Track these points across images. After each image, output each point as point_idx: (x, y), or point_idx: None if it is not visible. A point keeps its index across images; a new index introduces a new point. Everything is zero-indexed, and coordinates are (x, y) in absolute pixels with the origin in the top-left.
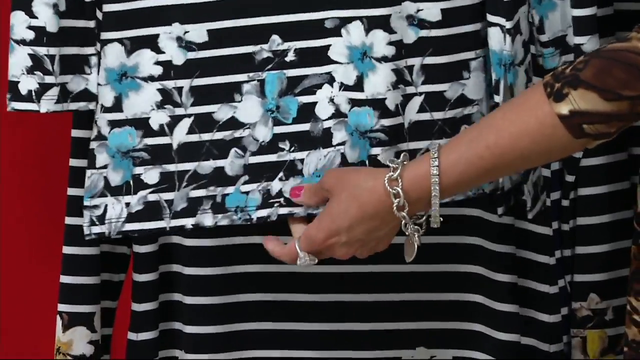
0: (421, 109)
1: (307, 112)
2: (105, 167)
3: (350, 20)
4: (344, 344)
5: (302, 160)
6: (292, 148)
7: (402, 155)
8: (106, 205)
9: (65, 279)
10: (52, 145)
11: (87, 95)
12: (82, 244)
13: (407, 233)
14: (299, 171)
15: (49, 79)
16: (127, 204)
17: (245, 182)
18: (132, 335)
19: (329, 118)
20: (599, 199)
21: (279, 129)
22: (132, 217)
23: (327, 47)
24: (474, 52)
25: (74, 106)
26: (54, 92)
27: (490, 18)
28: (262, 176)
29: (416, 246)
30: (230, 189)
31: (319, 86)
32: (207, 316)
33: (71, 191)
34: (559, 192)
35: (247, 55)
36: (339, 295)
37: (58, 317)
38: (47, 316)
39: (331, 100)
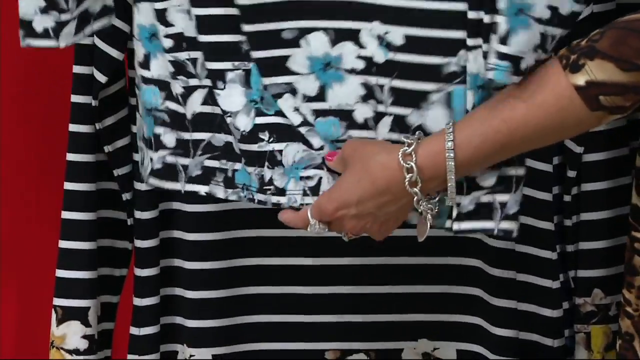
0: (392, 129)
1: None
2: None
3: (310, 30)
4: (346, 335)
5: (280, 152)
6: (271, 139)
7: (417, 132)
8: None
9: (60, 273)
10: (51, 140)
11: (106, 10)
12: (77, 238)
13: (419, 210)
14: (279, 162)
15: (64, 17)
16: (151, 160)
17: (245, 164)
18: (134, 330)
19: (299, 125)
20: (602, 194)
21: (260, 120)
22: (153, 173)
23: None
24: (436, 85)
25: (97, 26)
26: (71, 26)
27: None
28: (254, 161)
29: (428, 225)
30: (238, 166)
31: (280, 95)
32: (208, 310)
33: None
34: (559, 187)
35: (233, 44)
36: (341, 287)
37: (53, 311)
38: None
39: (296, 109)
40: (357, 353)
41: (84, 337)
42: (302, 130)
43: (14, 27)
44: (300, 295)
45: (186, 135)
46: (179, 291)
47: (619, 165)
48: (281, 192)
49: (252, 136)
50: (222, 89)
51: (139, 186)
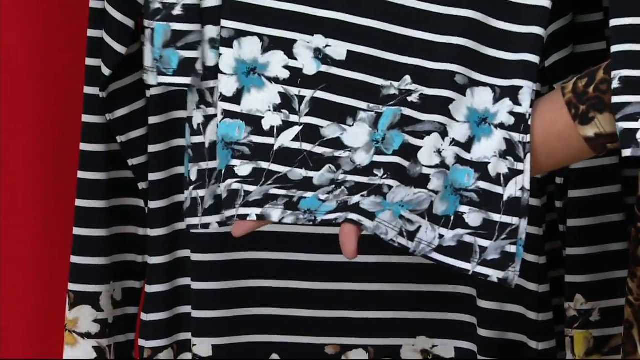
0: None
1: (409, 152)
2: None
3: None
4: (345, 331)
5: (390, 187)
6: (385, 175)
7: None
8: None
9: (73, 259)
10: (61, 128)
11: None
12: (88, 225)
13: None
14: (384, 194)
15: None
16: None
17: (328, 192)
18: (143, 316)
19: (432, 166)
20: (587, 201)
21: (378, 158)
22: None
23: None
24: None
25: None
26: None
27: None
28: (345, 192)
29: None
30: (309, 194)
31: (429, 133)
32: (210, 301)
33: (82, 172)
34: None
35: (374, 87)
36: (341, 284)
37: (67, 296)
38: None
39: (438, 151)
40: (356, 349)
41: (96, 321)
42: (429, 171)
43: (14, 27)
44: (301, 290)
45: (264, 165)
46: (187, 281)
47: (606, 173)
48: (369, 215)
49: (366, 170)
50: (350, 126)
51: (153, 176)
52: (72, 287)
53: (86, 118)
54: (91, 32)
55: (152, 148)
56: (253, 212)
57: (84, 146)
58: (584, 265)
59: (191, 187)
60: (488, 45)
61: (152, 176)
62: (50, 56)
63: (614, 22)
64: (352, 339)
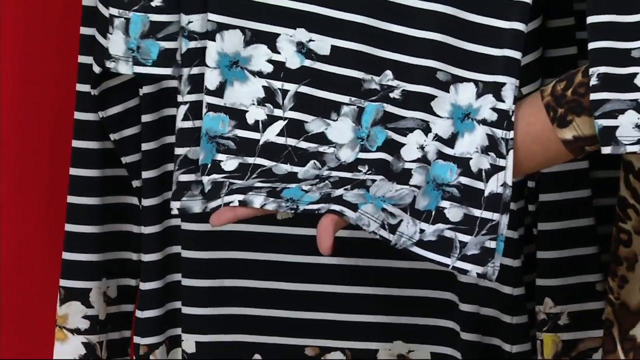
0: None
1: (393, 148)
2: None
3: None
4: (325, 333)
5: (373, 181)
6: (370, 171)
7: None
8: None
9: (65, 255)
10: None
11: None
12: (79, 222)
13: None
14: (367, 187)
15: None
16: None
17: (311, 184)
18: (138, 313)
19: (413, 161)
20: (557, 205)
21: (363, 155)
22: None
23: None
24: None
25: None
26: None
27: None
28: (329, 185)
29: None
30: (292, 185)
31: (411, 130)
32: (196, 298)
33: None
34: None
35: (356, 80)
36: (322, 285)
37: (58, 291)
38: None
39: (421, 147)
40: (334, 351)
41: (85, 317)
42: (411, 165)
43: (14, 27)
44: (283, 290)
45: (250, 160)
46: (178, 277)
47: (577, 177)
48: (352, 206)
49: (350, 167)
50: (334, 120)
51: (146, 174)
52: (62, 283)
53: (78, 115)
54: (84, 30)
55: (145, 146)
56: (236, 198)
57: (76, 143)
58: (554, 269)
59: (221, 175)
60: (468, 40)
61: (145, 174)
62: (43, 55)
63: (591, 19)
64: (330, 341)
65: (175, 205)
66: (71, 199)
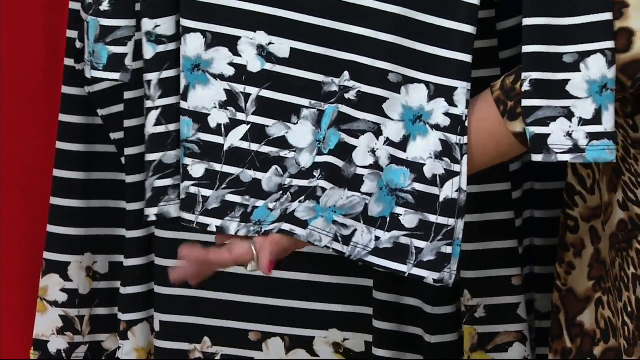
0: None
1: (345, 151)
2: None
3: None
4: (266, 318)
5: (323, 189)
6: (320, 176)
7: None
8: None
9: (49, 227)
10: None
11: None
12: (62, 195)
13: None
14: (317, 197)
15: None
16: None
17: (275, 200)
18: (122, 289)
19: (365, 167)
20: (476, 197)
21: (318, 159)
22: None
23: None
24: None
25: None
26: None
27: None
28: (289, 197)
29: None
30: (260, 203)
31: (363, 132)
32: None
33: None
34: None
35: (316, 83)
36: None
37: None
38: None
39: (372, 151)
40: (274, 337)
41: (63, 290)
42: (363, 171)
43: (15, 27)
44: (226, 274)
45: (217, 167)
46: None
47: (496, 170)
48: (302, 223)
49: (307, 173)
50: (294, 124)
51: (129, 151)
52: (45, 255)
53: (65, 89)
54: (72, 5)
55: (127, 123)
56: (213, 223)
57: (62, 117)
58: (471, 261)
59: (191, 182)
60: (420, 41)
61: (129, 150)
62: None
63: (526, 22)
64: (271, 326)
65: (151, 212)
66: (57, 173)
